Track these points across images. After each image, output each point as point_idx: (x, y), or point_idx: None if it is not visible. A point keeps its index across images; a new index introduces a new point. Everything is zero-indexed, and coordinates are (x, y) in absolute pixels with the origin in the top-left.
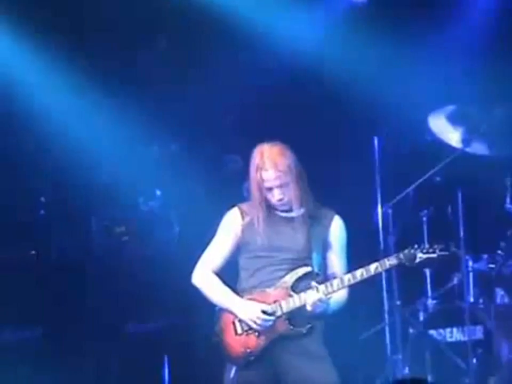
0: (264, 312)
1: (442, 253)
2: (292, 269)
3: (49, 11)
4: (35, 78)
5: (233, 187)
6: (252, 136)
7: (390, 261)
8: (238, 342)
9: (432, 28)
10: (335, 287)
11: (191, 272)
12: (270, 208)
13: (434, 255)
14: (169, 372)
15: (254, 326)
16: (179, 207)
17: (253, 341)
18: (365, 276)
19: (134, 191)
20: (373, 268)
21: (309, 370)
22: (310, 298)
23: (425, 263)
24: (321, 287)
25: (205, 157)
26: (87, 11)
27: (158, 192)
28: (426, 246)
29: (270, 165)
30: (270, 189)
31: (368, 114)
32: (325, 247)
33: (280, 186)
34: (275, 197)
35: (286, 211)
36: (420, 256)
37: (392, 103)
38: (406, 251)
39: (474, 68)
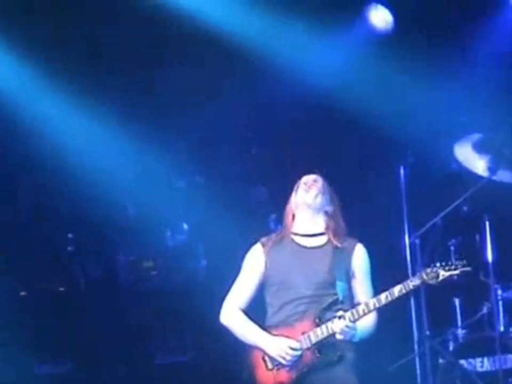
0: (291, 348)
1: (465, 269)
2: (317, 300)
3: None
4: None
5: (259, 219)
6: (277, 168)
7: (413, 281)
8: (269, 377)
9: (456, 56)
10: (361, 313)
11: (218, 304)
12: (292, 233)
13: (456, 272)
14: None
15: (284, 362)
16: (206, 240)
17: (284, 375)
18: (390, 299)
19: (161, 225)
20: (396, 290)
21: None
22: (337, 326)
23: (454, 287)
24: (348, 314)
25: (231, 189)
26: (103, 35)
27: (185, 226)
28: (449, 263)
29: (320, 184)
30: (308, 187)
31: (394, 143)
32: (349, 275)
33: (318, 188)
34: (310, 194)
35: (310, 236)
36: (443, 274)
37: (418, 132)
38: (428, 270)
39: (499, 96)
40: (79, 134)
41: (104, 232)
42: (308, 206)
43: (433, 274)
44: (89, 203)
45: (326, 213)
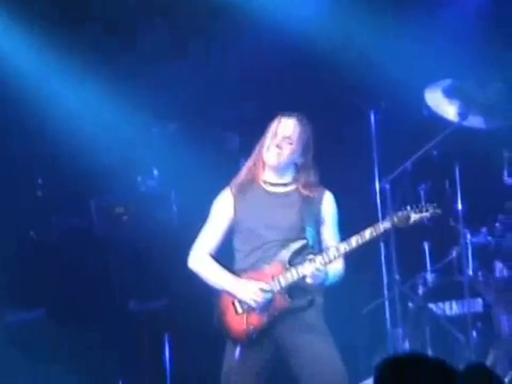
0: (262, 289)
1: (436, 211)
2: (287, 245)
3: None
4: (31, 58)
5: (230, 165)
6: (249, 114)
7: (384, 224)
8: (239, 322)
9: (429, 2)
10: (331, 256)
11: (189, 250)
12: (260, 180)
13: (427, 214)
14: (170, 350)
15: (254, 304)
16: (177, 186)
17: (255, 319)
18: (360, 242)
19: (132, 171)
20: (367, 233)
21: (309, 344)
22: (307, 269)
23: (423, 232)
24: (318, 258)
25: (202, 136)
26: None
27: (156, 172)
28: (419, 205)
29: (295, 119)
30: (278, 146)
31: (364, 89)
32: (318, 222)
33: (289, 141)
34: (277, 149)
35: (279, 185)
36: (414, 216)
37: (388, 78)
38: (399, 213)
39: (470, 41)
40: (52, 78)
41: (75, 178)
42: (278, 165)
43: (404, 217)
44: (60, 148)
45: (296, 165)
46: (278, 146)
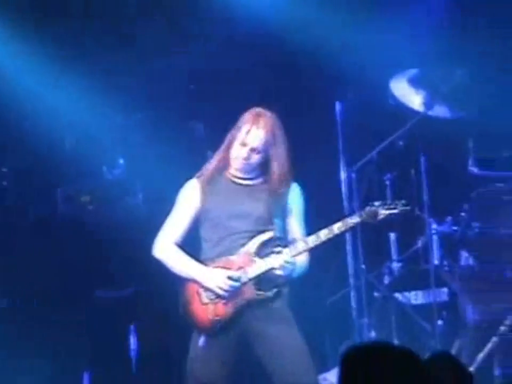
0: (230, 278)
1: (404, 208)
2: (254, 236)
3: None
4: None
5: (196, 154)
6: (215, 105)
7: (353, 219)
8: (205, 311)
9: None
10: (300, 249)
11: (155, 238)
12: (228, 172)
13: (395, 211)
14: (136, 339)
15: (221, 292)
16: (143, 175)
17: (221, 309)
18: (329, 235)
19: (98, 159)
20: (336, 227)
21: (276, 335)
22: (275, 262)
23: (389, 223)
24: (286, 250)
25: (168, 125)
26: None
27: (121, 161)
28: (388, 202)
29: (264, 124)
30: (244, 145)
31: (330, 79)
32: (285, 213)
33: (258, 151)
34: (242, 153)
35: (247, 179)
36: (382, 212)
37: (354, 68)
38: (368, 208)
39: (436, 29)
40: (17, 65)
41: (40, 167)
42: (245, 171)
43: (372, 213)
44: (25, 135)
45: (265, 162)
46: (245, 158)
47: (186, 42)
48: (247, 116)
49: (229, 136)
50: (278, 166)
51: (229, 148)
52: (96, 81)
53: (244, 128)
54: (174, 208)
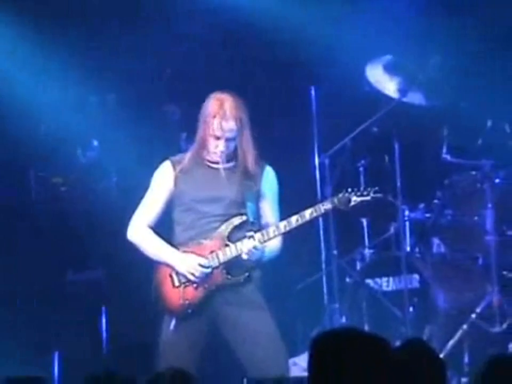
0: (201, 264)
1: (376, 195)
2: (227, 220)
3: None
4: None
5: (170, 137)
6: (189, 87)
7: (325, 205)
8: (176, 294)
9: None
10: (271, 235)
11: (129, 221)
12: (204, 159)
13: (368, 198)
14: (107, 321)
15: (192, 278)
16: (117, 157)
17: (191, 293)
18: (300, 221)
19: (72, 142)
20: (307, 213)
21: (247, 319)
22: (246, 247)
23: (362, 209)
24: (257, 235)
25: (143, 108)
26: None
27: (95, 143)
28: (361, 189)
29: (231, 115)
30: (218, 138)
31: (305, 64)
32: (258, 197)
33: (231, 139)
34: (219, 147)
35: (221, 162)
36: (354, 199)
37: (329, 53)
38: (340, 195)
39: (412, 16)
40: None
41: (15, 148)
42: (221, 157)
43: (344, 199)
44: None
45: (240, 142)
46: (222, 151)
47: (161, 23)
48: (211, 107)
49: (200, 131)
50: (246, 147)
51: (203, 141)
52: (71, 62)
53: (213, 122)
54: (148, 191)
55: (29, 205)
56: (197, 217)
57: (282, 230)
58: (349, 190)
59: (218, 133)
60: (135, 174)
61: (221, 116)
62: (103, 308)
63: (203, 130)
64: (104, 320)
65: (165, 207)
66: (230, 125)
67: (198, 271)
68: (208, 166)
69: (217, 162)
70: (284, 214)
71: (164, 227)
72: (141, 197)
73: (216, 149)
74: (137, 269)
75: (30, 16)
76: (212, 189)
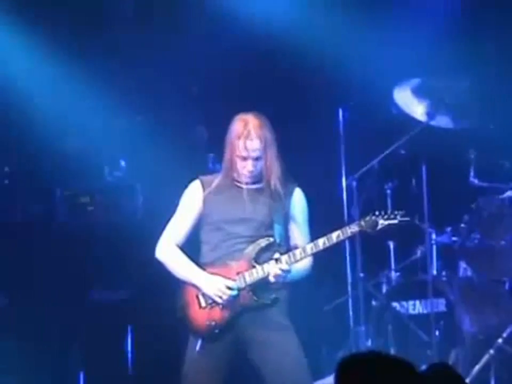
0: (228, 287)
1: (404, 218)
2: (254, 241)
3: None
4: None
5: (198, 158)
6: (217, 108)
7: (352, 228)
8: (202, 315)
9: (399, 2)
10: (297, 257)
11: (155, 241)
12: (233, 180)
13: (395, 221)
14: (132, 341)
15: (219, 300)
16: (144, 177)
17: (217, 314)
18: (327, 244)
19: (100, 161)
20: (334, 235)
21: (272, 342)
22: (273, 268)
23: (388, 232)
24: (284, 257)
25: (170, 128)
26: None
27: (123, 163)
28: (388, 212)
29: (256, 135)
30: (245, 159)
31: (333, 86)
32: (287, 219)
33: (258, 158)
34: (247, 167)
35: (251, 183)
36: (382, 222)
37: (358, 75)
38: (367, 218)
39: (440, 40)
40: (20, 65)
41: (41, 166)
42: (252, 177)
43: (371, 223)
44: (26, 135)
45: (264, 162)
46: (251, 172)
47: (188, 43)
48: (236, 128)
49: (226, 153)
50: (270, 167)
51: (231, 163)
52: (99, 82)
53: (238, 143)
54: (177, 209)
55: (55, 223)
56: (224, 237)
57: (309, 252)
58: (376, 213)
59: (244, 154)
60: (162, 195)
61: (245, 136)
62: (129, 328)
63: (229, 152)
64: (129, 340)
65: (194, 226)
66: (255, 144)
67: (225, 294)
68: (237, 187)
69: (246, 183)
70: (311, 235)
71: (192, 245)
72: (167, 217)
73: (244, 170)
74: (162, 289)
75: (60, 38)
76: (240, 209)
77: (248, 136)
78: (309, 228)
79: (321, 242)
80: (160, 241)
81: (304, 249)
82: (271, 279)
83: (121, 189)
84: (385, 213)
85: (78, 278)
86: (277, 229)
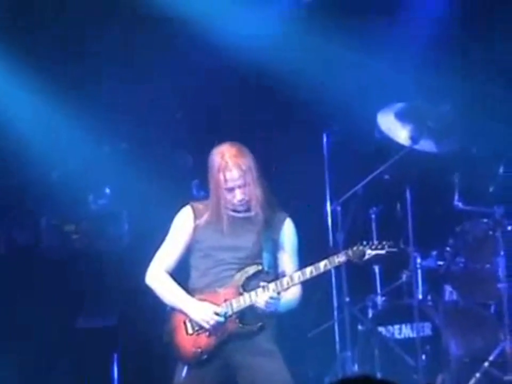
0: (216, 313)
1: (391, 249)
2: (242, 268)
3: None
4: None
5: (183, 184)
6: (201, 134)
7: (339, 258)
8: (189, 342)
9: (380, 25)
10: (285, 285)
11: (140, 269)
12: (224, 208)
13: (382, 252)
14: (119, 369)
15: (206, 326)
16: (129, 205)
17: (204, 340)
18: (315, 273)
19: (84, 189)
20: (322, 265)
21: (259, 368)
22: (260, 296)
23: (374, 259)
24: (271, 285)
25: (154, 155)
26: (36, 8)
27: (108, 190)
28: (375, 242)
29: (233, 164)
30: (231, 189)
31: (317, 111)
32: (276, 247)
33: (243, 186)
34: (236, 197)
35: (240, 211)
36: (369, 252)
37: (341, 100)
38: (355, 248)
39: (422, 64)
40: (5, 92)
41: (26, 195)
42: (240, 205)
43: (359, 253)
44: (10, 164)
45: (251, 191)
46: (240, 200)
47: (173, 70)
48: (214, 161)
49: (211, 185)
50: (253, 193)
51: (218, 194)
52: (83, 110)
53: (219, 176)
54: (169, 234)
55: (40, 252)
56: (213, 264)
57: (296, 281)
58: (364, 242)
59: (229, 185)
60: (147, 221)
61: (224, 168)
62: (115, 355)
63: (214, 185)
64: (116, 368)
65: (184, 252)
66: (234, 174)
67: (212, 320)
68: (228, 215)
69: (237, 211)
70: (299, 262)
71: (181, 270)
72: (153, 244)
73: (234, 200)
74: (148, 316)
75: (43, 67)
76: (230, 237)
77: (226, 167)
78: (298, 258)
79: (309, 271)
80: (150, 267)
81: (291, 278)
82: (260, 307)
83: (106, 217)
84: (373, 243)
85: (63, 305)
86: (266, 256)
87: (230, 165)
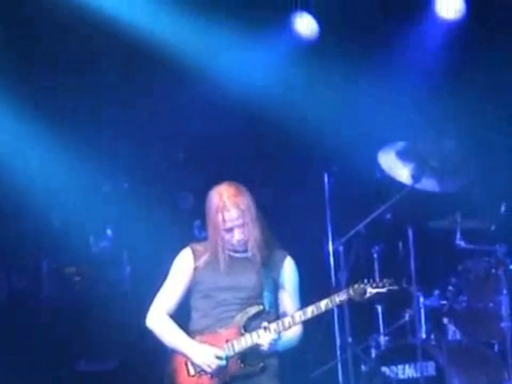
0: (217, 357)
1: (392, 287)
2: (243, 309)
3: None
4: None
5: (184, 225)
6: (203, 174)
7: (340, 297)
8: (190, 383)
9: (381, 63)
10: (286, 325)
11: (142, 311)
12: (223, 248)
13: (383, 290)
14: None
15: (208, 369)
16: (130, 246)
17: (206, 382)
18: (316, 312)
19: (85, 231)
20: (323, 304)
21: None
22: (262, 337)
23: (376, 298)
24: (273, 325)
25: (156, 196)
26: (34, 40)
27: (109, 232)
28: (376, 280)
29: (232, 204)
30: (230, 230)
31: (318, 151)
32: (277, 287)
33: (242, 225)
34: (235, 237)
35: (239, 251)
36: (370, 291)
37: (342, 140)
38: (356, 286)
39: (424, 103)
40: (3, 135)
41: (27, 238)
42: (238, 245)
43: (360, 291)
44: (10, 208)
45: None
46: (238, 241)
47: (173, 110)
48: (212, 202)
49: (210, 226)
50: (251, 233)
51: (217, 235)
52: (84, 152)
53: (217, 217)
54: (168, 277)
55: (42, 296)
56: (214, 305)
57: (298, 321)
58: (365, 281)
59: (228, 225)
60: (149, 263)
61: (222, 208)
62: None
63: (212, 226)
64: None
65: (184, 294)
66: (233, 214)
67: (214, 364)
68: (228, 255)
69: (237, 252)
70: (301, 302)
71: (182, 311)
72: (154, 286)
73: (233, 240)
74: (149, 359)
75: (43, 107)
76: (230, 277)
77: (224, 208)
78: (299, 296)
79: (310, 311)
80: (151, 310)
81: (293, 317)
82: (262, 348)
83: (108, 258)
84: (374, 281)
85: (64, 348)
86: (267, 296)
87: (228, 205)
